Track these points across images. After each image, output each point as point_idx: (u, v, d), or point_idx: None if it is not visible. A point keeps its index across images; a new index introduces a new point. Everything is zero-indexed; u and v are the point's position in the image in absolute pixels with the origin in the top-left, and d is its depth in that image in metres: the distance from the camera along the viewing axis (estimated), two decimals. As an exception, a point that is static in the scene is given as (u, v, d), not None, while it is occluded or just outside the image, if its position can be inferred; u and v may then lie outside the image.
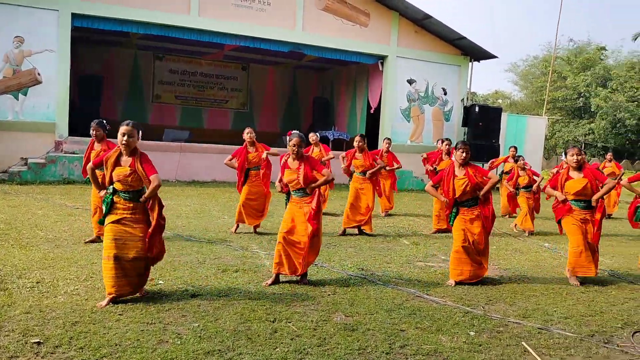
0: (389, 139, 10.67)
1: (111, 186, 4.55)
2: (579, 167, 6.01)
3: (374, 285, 5.41)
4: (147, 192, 4.51)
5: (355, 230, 8.32)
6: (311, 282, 5.35)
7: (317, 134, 10.55)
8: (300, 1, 15.04)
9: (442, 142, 9.72)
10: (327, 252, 6.75)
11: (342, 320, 4.33)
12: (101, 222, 4.65)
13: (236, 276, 5.44)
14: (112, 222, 4.48)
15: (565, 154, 6.22)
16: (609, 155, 12.88)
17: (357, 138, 8.47)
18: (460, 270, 5.66)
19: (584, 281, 6.02)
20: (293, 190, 5.38)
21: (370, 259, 6.57)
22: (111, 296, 4.40)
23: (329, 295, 4.98)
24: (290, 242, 5.28)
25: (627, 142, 35.29)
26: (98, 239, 6.46)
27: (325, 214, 9.85)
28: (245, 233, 7.79)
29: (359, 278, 5.63)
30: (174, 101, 20.19)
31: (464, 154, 5.66)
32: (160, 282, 5.11)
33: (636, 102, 34.39)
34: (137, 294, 4.59)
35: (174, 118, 20.07)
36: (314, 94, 22.10)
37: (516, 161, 10.18)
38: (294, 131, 5.50)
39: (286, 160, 5.46)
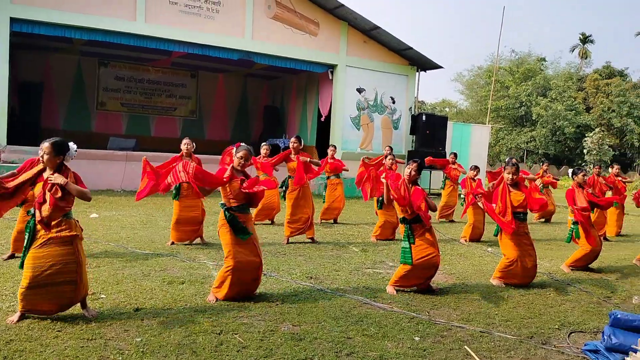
0: (334, 145, 10.82)
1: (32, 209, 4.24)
2: (515, 184, 6.20)
3: (322, 293, 5.43)
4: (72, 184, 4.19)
5: (305, 239, 8.33)
6: (259, 293, 5.32)
7: (268, 144, 10.35)
8: (249, 9, 15.02)
9: (390, 149, 9.93)
10: (275, 261, 6.73)
11: (289, 330, 4.32)
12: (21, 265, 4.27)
13: (182, 288, 5.34)
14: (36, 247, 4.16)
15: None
16: (544, 166, 13.44)
17: (293, 139, 8.40)
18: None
19: (523, 285, 6.24)
20: (236, 206, 5.03)
21: (319, 267, 6.59)
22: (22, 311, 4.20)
23: (277, 305, 4.96)
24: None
25: (566, 149, 36.95)
26: (13, 256, 6.14)
27: (276, 224, 9.84)
28: (193, 244, 7.65)
29: (308, 287, 5.64)
30: (119, 109, 19.68)
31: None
32: (102, 296, 4.96)
33: (574, 111, 36.11)
34: (85, 313, 4.38)
35: (120, 126, 19.56)
36: (264, 102, 22.06)
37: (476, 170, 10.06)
38: (242, 144, 5.33)
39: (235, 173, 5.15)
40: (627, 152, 36.38)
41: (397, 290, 5.62)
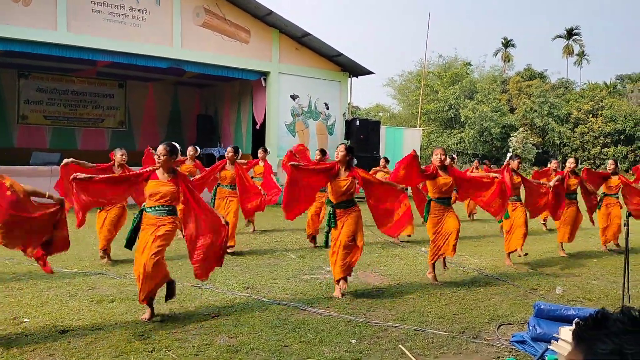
0: (264, 148, 10.84)
1: None
2: (443, 167, 6.45)
3: (259, 303, 5.38)
4: None
5: (242, 249, 8.24)
6: (195, 307, 5.19)
7: (196, 147, 10.15)
8: (177, 17, 14.71)
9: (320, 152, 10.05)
10: (211, 273, 6.58)
11: (225, 342, 4.25)
12: None
13: (112, 307, 5.13)
14: None
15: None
16: (475, 163, 14.01)
17: (229, 149, 8.38)
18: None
19: (455, 282, 6.46)
20: (155, 207, 4.80)
21: (256, 277, 6.53)
22: None
23: (212, 318, 4.86)
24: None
25: (494, 149, 38.61)
26: None
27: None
28: (122, 261, 7.37)
29: (244, 297, 5.57)
30: (42, 122, 18.71)
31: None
32: (26, 320, 4.68)
33: (499, 112, 37.83)
34: None
35: (44, 140, 18.59)
36: (197, 111, 21.66)
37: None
38: (168, 142, 5.11)
39: (154, 172, 4.93)
40: (549, 149, 38.46)
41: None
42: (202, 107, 21.82)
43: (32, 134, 18.32)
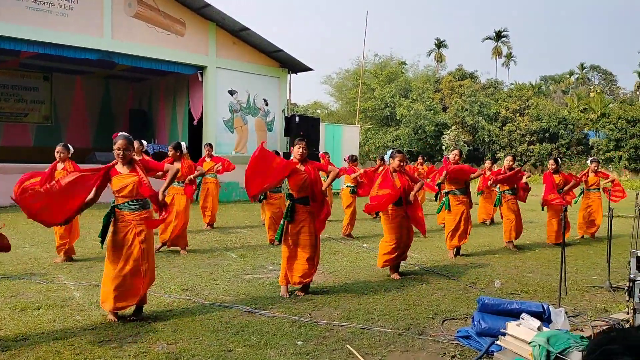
0: (209, 144, 10.67)
1: None
2: (401, 171, 6.61)
3: (199, 306, 5.14)
4: None
5: (180, 249, 7.92)
6: (128, 311, 4.89)
7: (142, 142, 9.66)
8: (107, 7, 14.00)
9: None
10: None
11: (164, 349, 4.01)
12: None
13: (38, 314, 4.74)
14: None
15: (392, 157, 6.66)
16: (420, 159, 14.30)
17: (169, 147, 8.35)
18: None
19: (401, 274, 6.49)
20: (127, 202, 4.63)
21: (195, 278, 6.27)
22: None
23: (149, 323, 4.59)
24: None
25: (428, 146, 39.60)
26: None
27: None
28: (48, 262, 6.90)
29: (183, 300, 5.32)
30: (-42, 115, 17.38)
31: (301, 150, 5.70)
32: (-64, 333, 4.23)
33: (432, 111, 38.83)
34: None
35: (-41, 135, 17.27)
36: (130, 106, 20.82)
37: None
38: (120, 133, 4.86)
39: (113, 167, 4.69)
40: (479, 147, 39.91)
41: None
42: (135, 102, 21.00)
43: (-54, 128, 16.98)
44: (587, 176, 10.29)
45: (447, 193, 8.03)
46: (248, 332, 4.42)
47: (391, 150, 6.79)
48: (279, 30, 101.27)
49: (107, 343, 4.09)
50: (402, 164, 6.61)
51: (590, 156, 34.69)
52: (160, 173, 5.24)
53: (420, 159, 14.44)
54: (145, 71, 17.18)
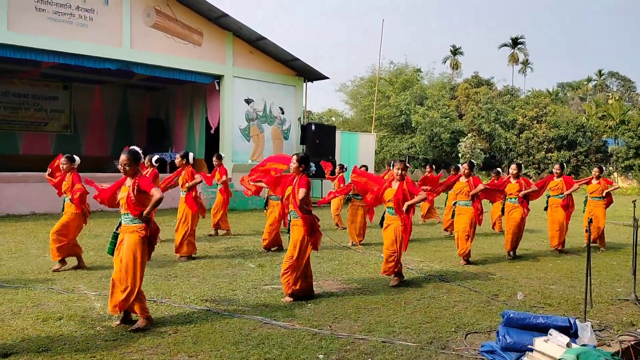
0: (218, 155, 10.69)
1: None
2: (402, 178, 6.67)
3: (219, 317, 5.12)
4: None
5: (197, 258, 7.95)
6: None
7: (152, 158, 9.82)
8: (126, 17, 14.18)
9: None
10: (167, 285, 6.28)
11: (185, 361, 3.99)
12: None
13: (60, 325, 4.76)
14: None
15: (392, 165, 6.99)
16: (428, 168, 14.19)
17: (178, 155, 8.70)
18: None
19: (418, 290, 6.41)
20: (124, 214, 4.87)
21: (214, 288, 6.25)
22: None
23: (170, 334, 4.58)
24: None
25: (443, 154, 39.39)
26: None
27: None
28: (69, 271, 6.94)
29: (203, 311, 5.31)
30: (-20, 125, 17.68)
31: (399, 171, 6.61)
32: (-39, 343, 4.26)
33: (448, 118, 38.65)
34: None
35: (-18, 144, 17.56)
36: (147, 115, 21.02)
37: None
38: (128, 148, 5.12)
39: (123, 178, 5.06)
40: (495, 154, 39.58)
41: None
42: (152, 111, 21.19)
43: (-31, 138, 17.29)
44: (590, 183, 10.23)
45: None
46: (269, 344, 4.39)
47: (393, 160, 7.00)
48: (293, 39, 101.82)
49: (128, 355, 4.08)
50: (401, 172, 6.70)
51: (610, 164, 34.32)
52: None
53: (428, 168, 14.35)
54: (163, 80, 17.34)
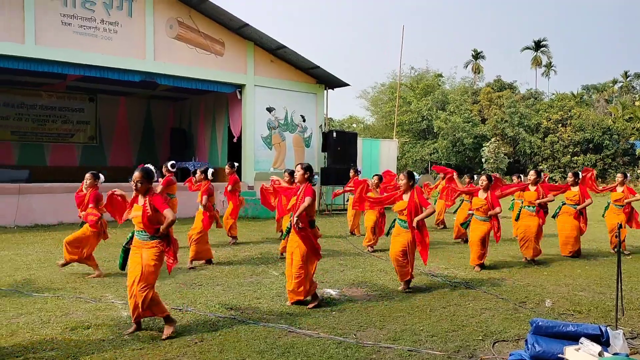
0: (230, 163, 10.82)
1: None
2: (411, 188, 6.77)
3: (244, 325, 5.14)
4: None
5: (223, 266, 8.00)
6: (176, 331, 4.93)
7: (171, 164, 10.05)
8: (150, 30, 14.43)
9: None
10: (192, 294, 6.33)
11: (211, 370, 4.01)
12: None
13: (88, 334, 4.83)
14: None
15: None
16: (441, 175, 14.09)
17: (199, 170, 9.10)
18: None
19: (444, 297, 6.33)
20: (138, 231, 4.92)
21: (239, 296, 6.28)
22: None
23: (196, 343, 4.61)
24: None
25: (466, 159, 39.04)
26: None
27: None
28: (96, 280, 7.04)
29: (228, 319, 5.33)
30: (9, 137, 18.16)
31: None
32: (-7, 352, 4.35)
33: (471, 123, 38.31)
34: None
35: (11, 156, 18.02)
36: (171, 125, 21.31)
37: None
38: (142, 166, 5.15)
39: (136, 196, 5.00)
40: (520, 159, 39.05)
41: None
42: (175, 121, 21.48)
43: (-1, 150, 17.74)
44: (615, 190, 10.01)
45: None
46: (294, 353, 4.38)
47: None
48: (312, 46, 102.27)
49: (155, 363, 4.12)
50: (409, 182, 6.75)
51: (638, 167, 33.54)
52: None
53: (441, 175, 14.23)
54: (185, 91, 17.58)
